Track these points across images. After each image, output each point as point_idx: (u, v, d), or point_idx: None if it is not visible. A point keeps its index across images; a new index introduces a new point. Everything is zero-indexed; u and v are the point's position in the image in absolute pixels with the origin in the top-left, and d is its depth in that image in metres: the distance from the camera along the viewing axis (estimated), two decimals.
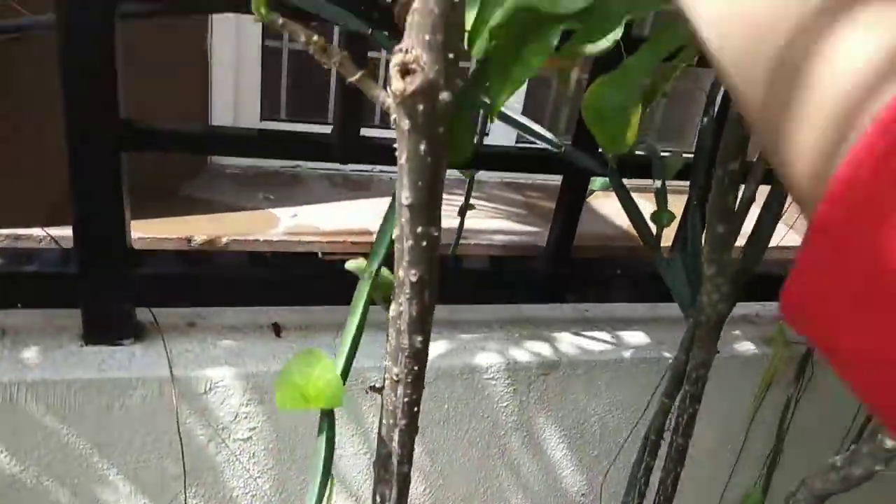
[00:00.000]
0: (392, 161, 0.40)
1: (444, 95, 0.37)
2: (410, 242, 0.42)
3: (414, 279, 0.44)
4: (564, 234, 0.91)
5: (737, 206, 0.63)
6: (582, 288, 0.94)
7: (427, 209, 0.41)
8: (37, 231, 1.03)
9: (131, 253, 0.77)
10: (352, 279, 0.52)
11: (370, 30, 0.71)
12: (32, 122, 0.99)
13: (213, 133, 0.76)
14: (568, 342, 0.98)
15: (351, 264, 0.50)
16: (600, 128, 0.58)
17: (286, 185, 1.62)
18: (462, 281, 0.90)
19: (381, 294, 0.48)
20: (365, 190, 1.67)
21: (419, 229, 0.42)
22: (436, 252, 0.44)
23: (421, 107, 0.37)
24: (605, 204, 1.59)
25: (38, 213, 1.02)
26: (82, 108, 0.66)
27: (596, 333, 1.01)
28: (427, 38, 0.35)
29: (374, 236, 1.28)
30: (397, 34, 0.37)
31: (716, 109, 0.82)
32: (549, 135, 0.76)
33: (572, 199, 0.88)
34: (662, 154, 0.87)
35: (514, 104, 1.56)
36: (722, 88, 0.82)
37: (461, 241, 1.51)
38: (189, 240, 1.40)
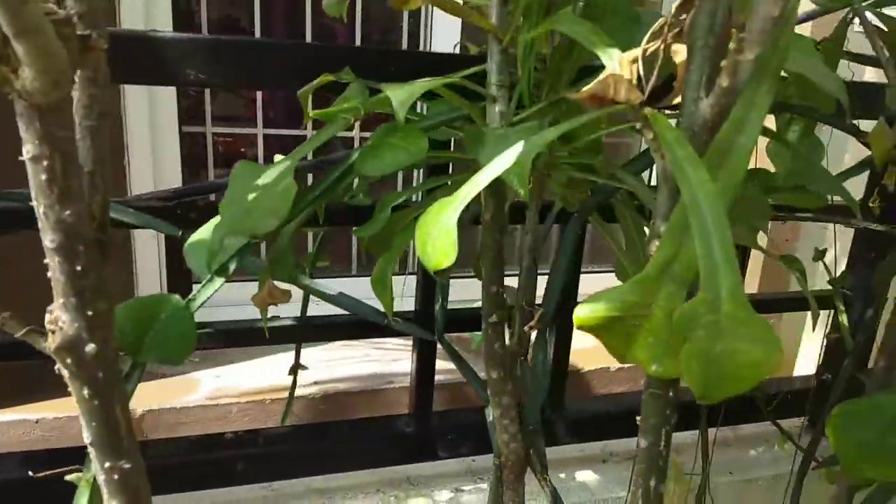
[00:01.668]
0: None
1: (90, 347, 0.40)
2: (103, 477, 0.44)
3: None
4: (423, 392, 0.92)
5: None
6: (449, 443, 0.94)
7: (109, 446, 0.43)
8: None
9: None
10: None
11: (180, 232, 0.75)
12: None
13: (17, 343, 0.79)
14: (449, 500, 0.96)
15: (72, 476, 0.51)
16: (429, 248, 0.62)
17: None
18: (321, 449, 0.90)
19: None
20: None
21: (107, 464, 0.43)
22: (139, 480, 0.45)
23: (69, 359, 0.40)
24: None
25: None
26: None
27: (480, 486, 1.00)
28: (62, 301, 0.39)
29: (297, 391, 1.26)
30: None
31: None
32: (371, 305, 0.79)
33: (423, 359, 0.90)
34: None
35: None
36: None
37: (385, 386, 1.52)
38: None
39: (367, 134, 1.72)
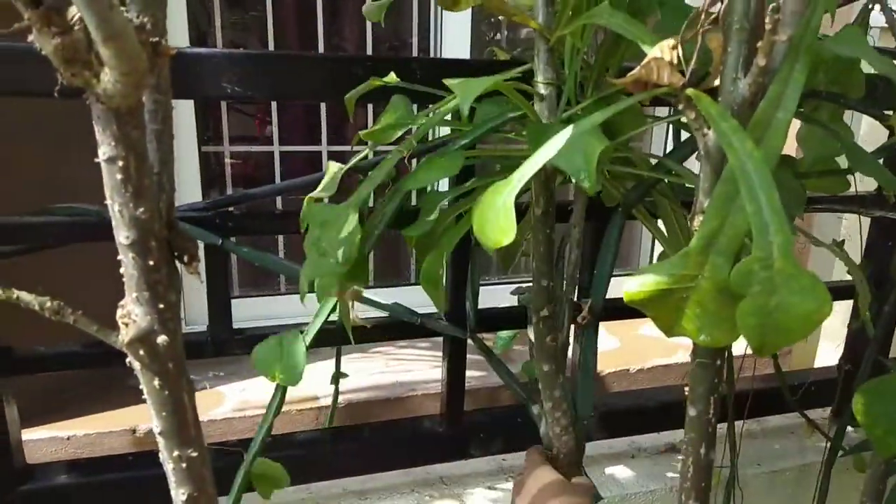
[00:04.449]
0: None
1: (162, 339, 0.42)
2: (171, 465, 0.46)
3: (184, 498, 0.47)
4: (455, 392, 0.94)
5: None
6: (481, 442, 0.95)
7: (178, 434, 0.45)
8: None
9: (20, 471, 0.80)
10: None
11: (220, 241, 0.78)
12: None
13: (87, 352, 0.81)
14: (482, 498, 0.98)
15: None
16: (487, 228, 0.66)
17: (236, 361, 1.66)
18: (356, 450, 0.92)
19: None
20: (314, 354, 1.71)
21: (175, 453, 0.45)
22: (203, 469, 0.47)
23: (142, 351, 0.42)
24: None
25: None
26: None
27: (511, 484, 1.01)
28: (135, 295, 0.41)
29: (321, 401, 1.29)
30: None
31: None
32: (404, 306, 0.82)
33: (453, 359, 0.92)
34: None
35: None
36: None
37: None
38: (133, 430, 1.44)
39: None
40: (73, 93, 0.36)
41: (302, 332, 0.71)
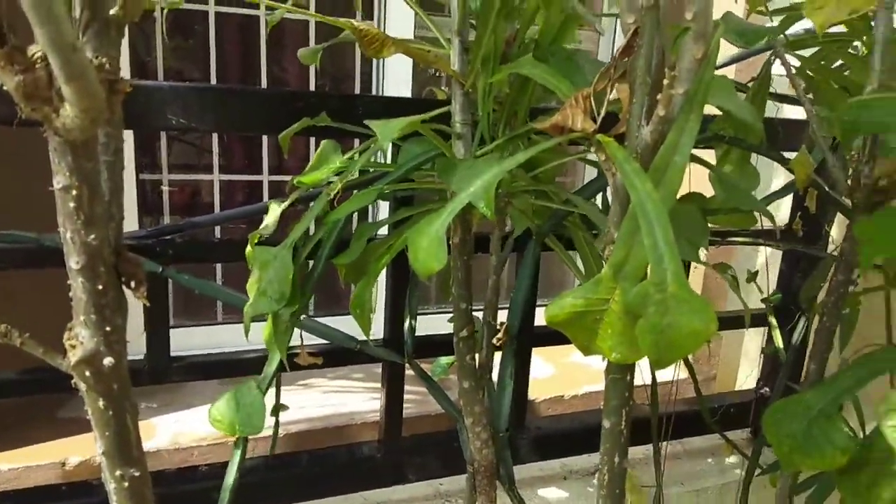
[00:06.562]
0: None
1: (108, 360, 0.43)
2: (113, 485, 0.47)
3: None
4: (393, 417, 0.96)
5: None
6: (418, 466, 0.98)
7: (120, 454, 0.46)
8: None
9: None
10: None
11: (160, 268, 0.79)
12: None
13: (23, 377, 0.80)
14: None
15: None
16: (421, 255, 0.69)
17: (169, 391, 1.63)
18: (295, 477, 0.93)
19: None
20: None
21: (117, 472, 0.47)
22: (145, 489, 0.48)
23: (87, 372, 0.43)
24: None
25: None
26: None
27: None
28: (83, 318, 0.43)
29: (261, 433, 1.27)
30: None
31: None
32: (344, 332, 0.84)
33: (392, 384, 0.94)
34: None
35: None
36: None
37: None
38: (63, 464, 1.40)
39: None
40: (31, 124, 0.39)
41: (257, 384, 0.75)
